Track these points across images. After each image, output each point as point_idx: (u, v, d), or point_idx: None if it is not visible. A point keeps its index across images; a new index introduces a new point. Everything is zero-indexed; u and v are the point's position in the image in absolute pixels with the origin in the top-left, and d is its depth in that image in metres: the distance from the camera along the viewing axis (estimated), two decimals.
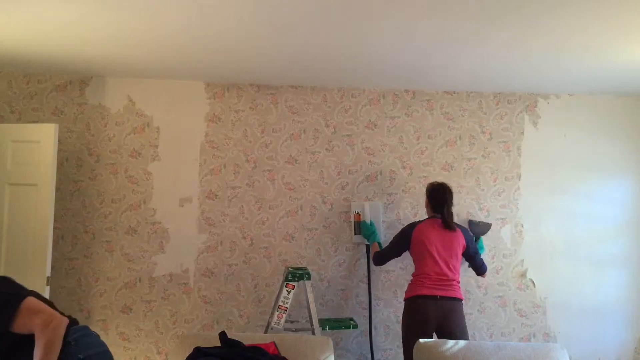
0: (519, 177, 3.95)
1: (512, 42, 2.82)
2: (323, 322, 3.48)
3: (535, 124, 3.97)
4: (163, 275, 3.82)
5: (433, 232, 3.28)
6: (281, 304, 3.30)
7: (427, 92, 3.95)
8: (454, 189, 3.89)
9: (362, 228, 3.77)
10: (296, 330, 3.53)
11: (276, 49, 3.04)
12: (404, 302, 3.34)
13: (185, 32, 2.79)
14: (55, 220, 3.46)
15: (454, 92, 3.96)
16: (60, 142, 3.67)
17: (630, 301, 3.93)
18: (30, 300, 1.93)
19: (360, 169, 3.91)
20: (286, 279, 3.33)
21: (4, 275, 2.10)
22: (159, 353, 3.80)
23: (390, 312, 3.86)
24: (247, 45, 2.99)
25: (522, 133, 3.96)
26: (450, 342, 2.69)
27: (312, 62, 3.30)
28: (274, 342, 2.61)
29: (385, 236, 3.83)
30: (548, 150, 3.95)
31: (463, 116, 3.95)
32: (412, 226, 3.37)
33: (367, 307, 3.84)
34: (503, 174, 3.95)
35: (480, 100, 3.96)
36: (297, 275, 3.34)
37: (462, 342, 2.70)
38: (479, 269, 3.47)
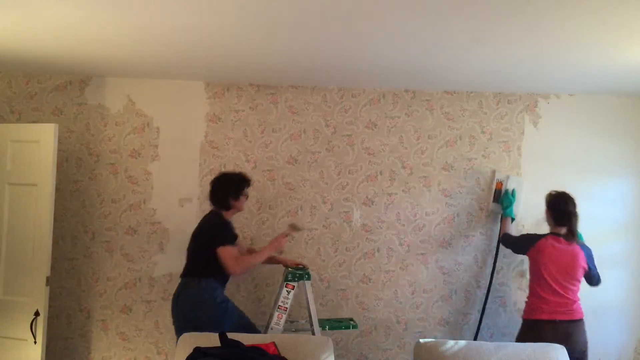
0: (520, 177, 3.94)
1: (513, 42, 2.81)
2: (323, 322, 3.48)
3: (535, 124, 3.97)
4: (163, 275, 3.82)
5: (551, 254, 3.21)
6: (281, 304, 3.30)
7: (427, 92, 3.95)
8: (454, 189, 3.89)
9: (504, 196, 3.74)
10: (296, 330, 3.53)
11: (276, 48, 3.04)
12: (522, 320, 3.33)
13: (186, 32, 2.79)
14: (55, 220, 3.46)
15: (454, 92, 3.96)
16: (60, 142, 3.66)
17: (630, 301, 3.93)
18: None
19: (360, 169, 3.91)
20: (286, 279, 3.33)
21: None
22: (159, 353, 3.80)
23: (391, 312, 3.86)
24: (247, 45, 2.99)
25: (523, 133, 3.96)
26: (451, 342, 2.69)
27: (312, 62, 3.30)
28: (274, 342, 2.61)
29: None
30: (548, 150, 3.95)
31: (463, 116, 3.95)
32: (533, 240, 3.32)
33: (368, 307, 3.84)
34: (503, 174, 3.94)
35: (481, 100, 3.96)
36: (297, 275, 3.34)
37: (462, 342, 2.71)
38: (595, 284, 3.41)
